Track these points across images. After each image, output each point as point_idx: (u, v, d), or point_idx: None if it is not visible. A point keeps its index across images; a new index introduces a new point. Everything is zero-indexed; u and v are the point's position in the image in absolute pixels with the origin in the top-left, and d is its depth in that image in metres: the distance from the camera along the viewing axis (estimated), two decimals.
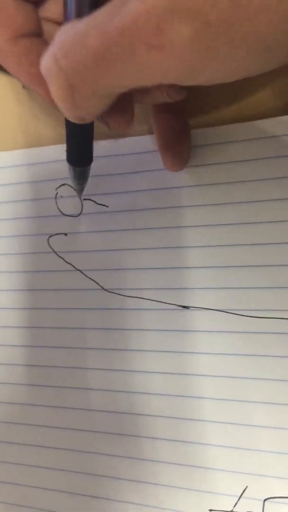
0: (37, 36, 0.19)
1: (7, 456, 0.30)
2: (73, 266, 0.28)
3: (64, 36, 0.16)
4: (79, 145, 0.22)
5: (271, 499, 0.24)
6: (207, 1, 0.13)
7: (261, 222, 0.24)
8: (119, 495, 0.27)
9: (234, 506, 0.25)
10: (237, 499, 0.24)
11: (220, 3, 0.13)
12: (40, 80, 0.18)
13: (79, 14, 0.17)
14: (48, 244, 0.28)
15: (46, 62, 0.16)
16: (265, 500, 0.24)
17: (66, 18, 0.17)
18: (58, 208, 0.28)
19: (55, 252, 0.28)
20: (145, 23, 0.13)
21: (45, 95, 0.19)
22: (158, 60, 0.14)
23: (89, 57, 0.15)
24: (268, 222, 0.24)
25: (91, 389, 0.28)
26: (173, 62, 0.14)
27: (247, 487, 0.24)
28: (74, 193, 0.27)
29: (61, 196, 0.28)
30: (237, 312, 0.24)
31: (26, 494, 0.30)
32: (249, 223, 0.24)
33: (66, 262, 0.28)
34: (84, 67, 0.15)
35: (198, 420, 0.25)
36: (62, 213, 0.28)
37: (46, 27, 0.19)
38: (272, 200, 0.24)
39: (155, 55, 0.14)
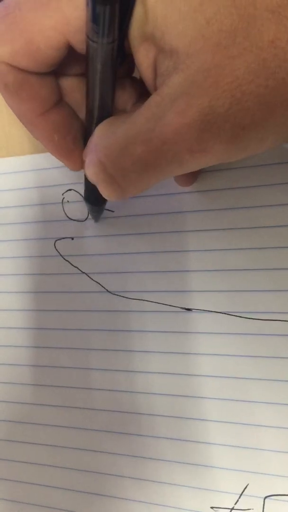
0: (61, 103, 0.20)
1: (12, 454, 0.31)
2: (79, 269, 0.28)
3: (107, 142, 0.17)
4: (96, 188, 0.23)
5: (272, 497, 0.24)
6: (240, 110, 0.14)
7: (263, 227, 0.24)
8: (123, 492, 0.28)
9: (235, 504, 0.25)
10: (238, 497, 0.25)
11: (251, 111, 0.14)
12: (68, 154, 0.20)
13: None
14: (55, 247, 0.29)
15: (94, 168, 0.18)
16: (265, 497, 0.25)
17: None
18: (65, 213, 0.29)
19: (61, 256, 0.29)
20: (186, 134, 0.15)
21: (72, 166, 0.21)
22: (201, 160, 0.16)
23: (136, 164, 0.16)
24: (270, 226, 0.24)
25: (95, 389, 0.28)
26: (214, 159, 0.16)
27: (248, 485, 0.25)
28: (81, 198, 0.28)
29: (68, 201, 0.28)
30: (239, 314, 0.25)
31: (31, 491, 0.30)
32: (252, 227, 0.25)
33: (72, 265, 0.29)
34: (132, 172, 0.17)
35: (200, 419, 0.26)
36: (69, 217, 0.29)
37: (64, 82, 0.20)
38: (273, 205, 0.24)
39: (197, 157, 0.16)
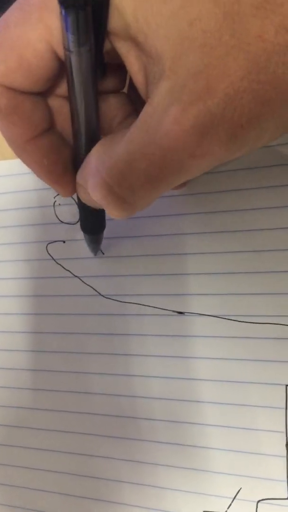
0: (52, 128, 0.20)
1: (11, 459, 0.31)
2: (71, 273, 0.28)
3: (109, 163, 0.17)
4: (92, 215, 0.22)
5: (264, 501, 0.24)
6: (236, 108, 0.14)
7: (257, 230, 0.24)
8: (119, 497, 0.28)
9: (228, 508, 0.25)
10: (231, 501, 0.25)
11: (247, 108, 0.14)
12: (58, 180, 0.20)
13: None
14: (47, 251, 0.29)
15: (102, 191, 0.17)
16: (258, 501, 0.24)
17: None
18: (56, 216, 0.28)
19: (53, 259, 0.29)
20: (186, 141, 0.15)
21: (63, 192, 0.21)
22: (203, 163, 0.16)
23: (142, 180, 0.16)
24: (264, 229, 0.24)
25: (92, 393, 0.28)
26: (215, 160, 0.16)
27: (240, 488, 0.25)
28: (72, 201, 0.28)
29: (59, 204, 0.28)
30: (232, 318, 0.25)
31: (29, 496, 0.30)
32: (245, 230, 0.24)
33: (65, 268, 0.29)
34: (139, 188, 0.17)
35: (194, 423, 0.26)
36: (60, 220, 0.28)
37: (54, 102, 0.19)
38: (268, 208, 0.24)
39: (200, 162, 0.15)
